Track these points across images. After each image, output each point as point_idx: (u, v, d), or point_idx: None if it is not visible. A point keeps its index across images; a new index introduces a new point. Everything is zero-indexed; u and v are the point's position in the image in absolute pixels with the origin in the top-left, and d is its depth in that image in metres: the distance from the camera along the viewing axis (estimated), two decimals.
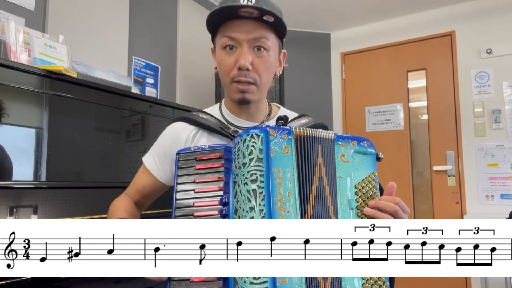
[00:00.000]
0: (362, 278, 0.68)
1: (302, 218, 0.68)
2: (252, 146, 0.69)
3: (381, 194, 0.77)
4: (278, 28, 0.88)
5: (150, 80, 2.55)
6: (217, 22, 0.87)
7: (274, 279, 0.61)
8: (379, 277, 0.69)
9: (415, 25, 3.29)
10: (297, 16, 3.35)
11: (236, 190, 0.69)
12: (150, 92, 2.54)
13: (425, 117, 3.23)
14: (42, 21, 1.87)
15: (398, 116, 3.31)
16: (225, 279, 0.65)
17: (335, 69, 3.67)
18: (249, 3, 0.81)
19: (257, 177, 0.67)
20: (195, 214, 0.71)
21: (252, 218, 0.65)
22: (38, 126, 1.35)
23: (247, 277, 0.62)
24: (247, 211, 0.66)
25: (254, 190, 0.67)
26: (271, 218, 0.64)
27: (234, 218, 0.68)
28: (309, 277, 0.65)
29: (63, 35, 1.72)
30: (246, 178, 0.68)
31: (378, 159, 0.78)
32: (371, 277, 0.68)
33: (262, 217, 0.65)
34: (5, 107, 1.24)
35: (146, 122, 1.80)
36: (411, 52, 3.30)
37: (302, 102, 3.43)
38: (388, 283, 0.69)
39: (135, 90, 1.93)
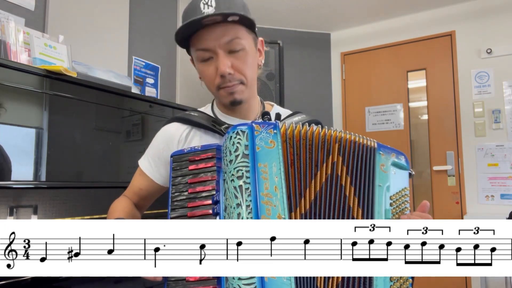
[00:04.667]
0: (391, 279, 0.69)
1: (291, 212, 0.68)
2: (238, 142, 0.70)
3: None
4: (246, 23, 0.86)
5: (150, 80, 2.55)
6: (185, 36, 0.86)
7: (262, 277, 0.61)
8: (407, 279, 0.70)
9: (415, 25, 3.29)
10: (297, 16, 3.35)
11: (225, 188, 0.70)
12: (150, 92, 2.54)
13: (425, 117, 3.23)
14: (42, 21, 1.87)
15: (398, 116, 3.31)
16: (218, 279, 0.66)
17: (335, 69, 3.67)
18: (210, 10, 0.79)
19: (243, 173, 0.67)
20: (189, 214, 0.72)
21: (239, 214, 0.65)
22: (38, 126, 1.35)
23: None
24: (234, 208, 0.66)
25: (240, 186, 0.67)
26: (257, 214, 0.65)
27: (224, 216, 0.69)
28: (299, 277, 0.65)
29: (63, 35, 1.72)
30: (232, 175, 0.68)
31: (410, 175, 0.79)
32: (401, 285, 0.69)
33: (249, 213, 0.65)
34: (1, 102, 1.24)
35: (146, 122, 1.80)
36: (411, 52, 3.30)
37: (302, 102, 3.43)
38: (411, 281, 0.71)
39: (135, 90, 1.93)
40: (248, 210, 0.65)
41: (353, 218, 0.72)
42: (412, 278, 0.72)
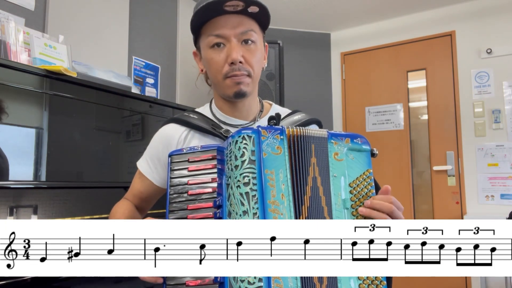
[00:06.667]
0: (359, 278, 0.67)
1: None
2: (244, 147, 0.68)
3: (377, 191, 0.75)
4: (263, 18, 0.88)
5: (150, 80, 2.55)
6: (200, 21, 0.86)
7: (269, 284, 0.61)
8: (376, 277, 0.68)
9: (415, 25, 3.29)
10: (297, 16, 3.35)
11: (229, 193, 0.68)
12: (150, 92, 2.54)
13: (425, 117, 3.23)
14: (42, 21, 1.87)
15: (398, 116, 3.31)
16: (221, 283, 0.65)
17: (335, 69, 3.67)
18: None
19: (249, 179, 0.66)
20: (189, 216, 0.70)
21: None
22: (38, 126, 1.35)
23: (242, 282, 0.62)
24: (240, 215, 0.65)
25: (247, 193, 0.66)
26: None
27: None
28: (304, 280, 0.64)
29: (63, 35, 1.72)
30: (238, 180, 0.67)
31: (373, 155, 0.76)
32: (367, 277, 0.68)
33: None
34: (4, 106, 1.24)
35: (146, 122, 1.80)
36: (411, 52, 3.30)
37: (302, 102, 3.43)
38: (385, 282, 0.69)
39: (135, 90, 1.93)
40: (255, 219, 0.64)
41: (324, 218, 0.70)
42: (388, 282, 0.71)
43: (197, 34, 0.90)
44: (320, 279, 0.66)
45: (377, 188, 0.76)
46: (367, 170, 0.75)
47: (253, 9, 0.83)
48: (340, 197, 0.72)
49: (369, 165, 0.75)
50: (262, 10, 0.84)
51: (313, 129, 0.75)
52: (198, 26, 0.88)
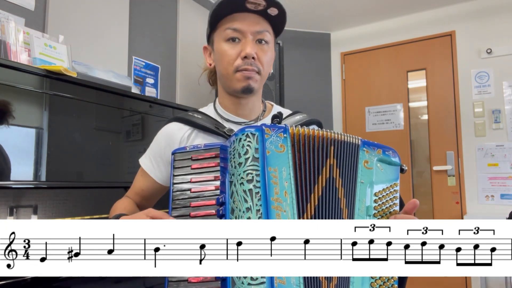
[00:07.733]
0: (371, 285, 0.68)
1: (300, 218, 0.68)
2: (248, 145, 0.69)
3: (401, 206, 0.76)
4: (278, 23, 0.90)
5: (150, 80, 2.55)
6: (220, 14, 0.88)
7: (272, 279, 0.61)
8: (388, 279, 0.69)
9: (415, 25, 3.29)
10: (297, 16, 3.35)
11: (233, 190, 0.69)
12: (150, 92, 2.54)
13: (425, 117, 3.23)
14: (42, 21, 1.87)
15: (398, 116, 3.31)
16: (223, 280, 0.65)
17: (335, 69, 3.67)
18: None
19: (253, 176, 0.67)
20: (192, 214, 0.71)
21: (248, 218, 0.65)
22: (38, 126, 1.35)
23: (245, 277, 0.62)
24: (243, 212, 0.66)
25: (250, 190, 0.66)
26: (267, 218, 0.64)
27: (231, 218, 0.68)
28: (307, 277, 0.64)
29: (63, 35, 1.71)
30: (242, 178, 0.67)
31: (401, 170, 0.77)
32: (380, 278, 0.68)
33: (259, 217, 0.64)
34: (12, 109, 1.24)
35: (146, 122, 1.80)
36: (411, 52, 3.30)
37: (302, 102, 3.43)
38: (396, 285, 0.69)
39: (135, 90, 1.93)
40: (258, 215, 0.64)
41: (342, 219, 0.71)
42: (401, 283, 0.71)
43: (213, 27, 0.92)
44: (329, 277, 0.66)
45: (401, 204, 0.77)
46: (394, 183, 0.76)
47: (273, 10, 0.86)
48: (364, 203, 0.73)
49: (397, 179, 0.77)
50: (280, 13, 0.87)
51: (342, 133, 0.76)
52: (217, 19, 0.89)
